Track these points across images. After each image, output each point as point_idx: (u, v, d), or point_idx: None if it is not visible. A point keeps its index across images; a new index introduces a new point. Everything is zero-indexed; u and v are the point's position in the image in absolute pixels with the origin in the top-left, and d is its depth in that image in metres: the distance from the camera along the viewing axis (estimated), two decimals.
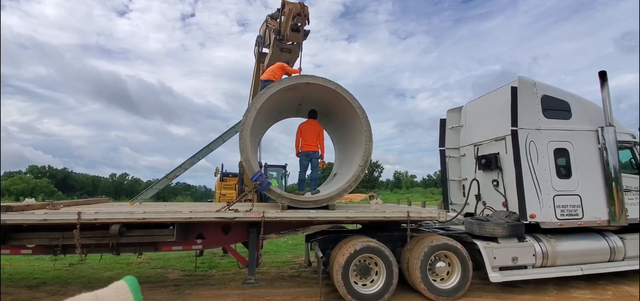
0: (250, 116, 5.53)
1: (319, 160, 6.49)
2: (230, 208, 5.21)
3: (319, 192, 6.22)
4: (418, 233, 5.83)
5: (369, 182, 67.16)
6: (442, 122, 7.78)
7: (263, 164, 13.94)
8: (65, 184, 65.06)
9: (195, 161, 7.01)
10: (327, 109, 6.80)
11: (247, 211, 5.11)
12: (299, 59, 7.49)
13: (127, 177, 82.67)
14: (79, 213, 4.72)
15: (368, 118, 5.96)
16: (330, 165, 8.90)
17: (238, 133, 5.62)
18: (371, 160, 5.97)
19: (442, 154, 7.72)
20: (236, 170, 13.44)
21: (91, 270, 7.35)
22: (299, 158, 6.44)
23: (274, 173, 16.02)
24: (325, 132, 6.93)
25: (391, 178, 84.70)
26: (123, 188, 74.15)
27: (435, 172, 77.32)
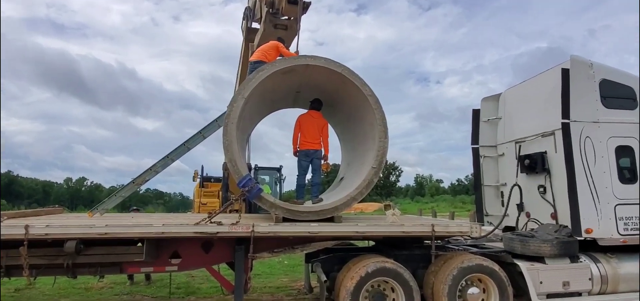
0: (237, 106, 5.54)
1: (322, 161, 6.50)
2: (212, 220, 5.21)
3: (322, 200, 6.22)
4: (445, 252, 5.82)
5: (384, 187, 67.03)
6: (475, 114, 7.77)
7: (253, 166, 14.03)
8: (9, 191, 65.54)
9: (169, 162, 7.02)
10: (331, 98, 6.81)
11: (232, 224, 5.11)
12: (296, 37, 7.49)
13: (85, 182, 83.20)
14: (26, 227, 4.74)
15: (382, 109, 5.96)
16: (336, 167, 8.92)
17: (221, 128, 5.63)
18: (387, 161, 5.97)
19: (476, 153, 7.71)
20: (219, 173, 13.48)
21: (42, 296, 7.40)
22: (297, 159, 6.46)
23: (267, 178, 16.10)
24: (329, 126, 6.95)
25: (411, 183, 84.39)
26: (80, 196, 74.60)
27: (466, 176, 76.87)
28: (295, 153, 6.52)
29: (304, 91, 6.89)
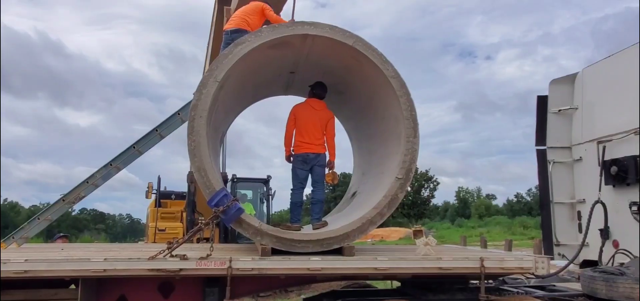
0: (208, 94, 5.57)
1: (326, 170, 6.53)
2: (174, 253, 5.22)
3: (326, 224, 6.23)
4: (500, 297, 5.83)
5: (413, 206, 67.13)
6: (542, 102, 7.81)
7: (230, 177, 14.04)
8: None
9: (113, 172, 7.06)
10: (339, 82, 6.85)
11: (201, 258, 5.13)
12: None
13: None
14: None
15: (411, 97, 5.98)
16: (346, 178, 8.93)
17: (186, 125, 5.65)
18: (417, 169, 5.98)
19: (542, 158, 7.76)
20: (183, 187, 13.52)
21: None
22: (291, 167, 6.50)
23: (249, 193, 16.13)
24: (336, 121, 6.98)
25: (452, 199, 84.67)
26: None
27: (528, 190, 77.20)
28: (288, 159, 6.54)
29: (300, 72, 6.93)
